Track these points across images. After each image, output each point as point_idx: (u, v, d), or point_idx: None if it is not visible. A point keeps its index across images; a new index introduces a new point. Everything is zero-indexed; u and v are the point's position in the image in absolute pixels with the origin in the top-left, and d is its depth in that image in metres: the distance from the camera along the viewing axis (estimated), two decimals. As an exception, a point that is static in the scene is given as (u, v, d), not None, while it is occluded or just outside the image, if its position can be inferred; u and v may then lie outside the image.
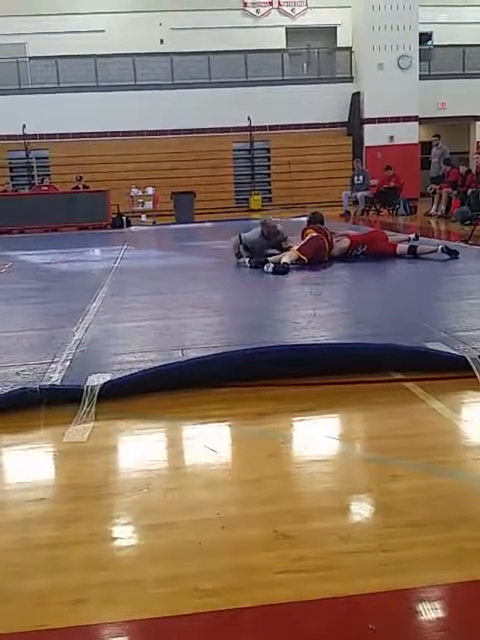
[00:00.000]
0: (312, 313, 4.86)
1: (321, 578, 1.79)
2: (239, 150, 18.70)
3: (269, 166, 19.23)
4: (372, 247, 7.47)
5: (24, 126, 16.65)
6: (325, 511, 2.16)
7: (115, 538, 2.09)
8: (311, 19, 19.69)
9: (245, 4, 19.72)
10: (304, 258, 7.18)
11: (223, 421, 2.98)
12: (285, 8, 19.90)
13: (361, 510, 2.22)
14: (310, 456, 2.60)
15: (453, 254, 7.21)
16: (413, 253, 7.35)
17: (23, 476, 2.54)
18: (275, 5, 19.85)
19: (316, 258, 7.28)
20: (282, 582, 1.78)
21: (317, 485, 2.37)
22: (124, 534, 2.11)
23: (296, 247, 7.37)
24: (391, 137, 18.57)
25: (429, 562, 1.85)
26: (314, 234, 7.46)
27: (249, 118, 17.57)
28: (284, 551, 1.92)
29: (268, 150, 18.99)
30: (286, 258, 7.10)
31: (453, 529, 2.02)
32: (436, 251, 7.31)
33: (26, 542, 2.06)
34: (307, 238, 7.44)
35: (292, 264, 7.06)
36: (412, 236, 8.46)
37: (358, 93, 18.88)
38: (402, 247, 7.49)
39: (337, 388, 3.24)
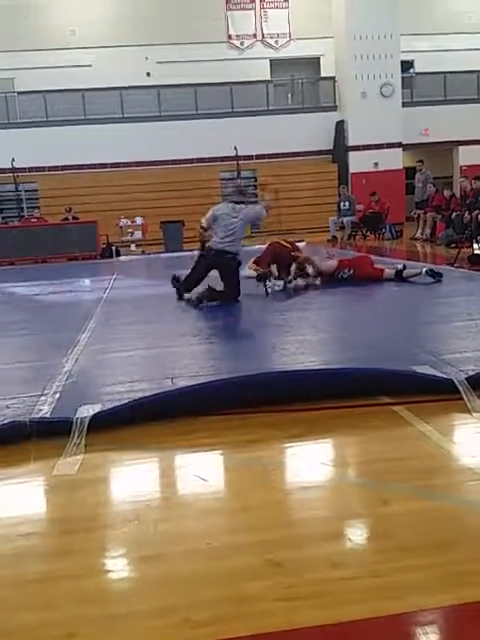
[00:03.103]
0: (301, 339, 4.89)
1: (313, 605, 1.79)
2: (226, 179, 18.90)
3: (256, 194, 19.42)
4: (359, 271, 7.56)
5: (13, 160, 16.79)
6: (316, 537, 2.16)
7: (106, 571, 2.08)
8: (295, 50, 20.12)
9: (230, 37, 20.14)
10: (261, 269, 7.30)
11: (213, 449, 2.98)
12: (269, 40, 20.33)
13: (352, 536, 2.21)
14: (300, 482, 2.60)
15: (437, 277, 7.31)
16: (399, 277, 7.43)
17: (13, 510, 2.52)
18: (259, 37, 20.28)
19: (280, 262, 7.39)
20: (274, 610, 1.77)
21: (308, 511, 2.38)
22: (115, 567, 2.10)
23: (251, 261, 7.46)
24: (376, 163, 18.86)
25: (421, 586, 1.85)
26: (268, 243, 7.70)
27: (236, 148, 17.81)
28: (276, 579, 1.91)
29: (255, 179, 19.21)
30: (247, 271, 7.20)
31: (444, 553, 2.02)
32: (420, 274, 7.40)
33: (16, 577, 2.04)
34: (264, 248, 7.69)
35: (261, 279, 7.07)
36: (400, 266, 8.41)
37: (342, 121, 19.21)
38: (388, 271, 7.58)
39: (326, 413, 3.26)
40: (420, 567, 1.94)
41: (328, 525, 2.24)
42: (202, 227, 6.87)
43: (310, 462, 2.79)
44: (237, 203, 6.93)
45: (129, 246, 15.53)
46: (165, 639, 1.68)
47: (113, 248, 14.43)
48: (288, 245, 7.85)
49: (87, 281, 10.42)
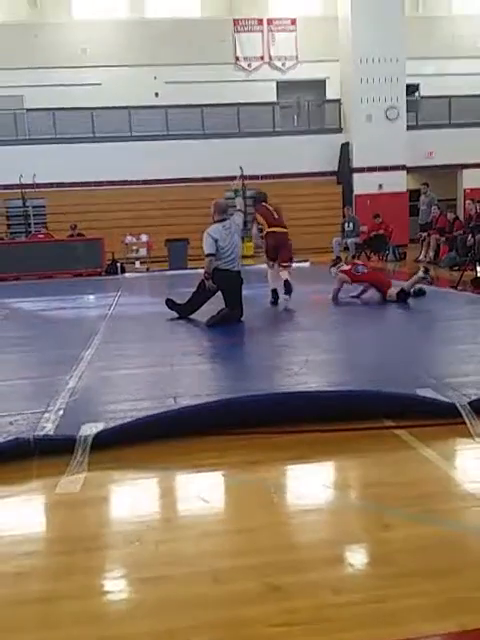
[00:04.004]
0: (304, 359, 4.90)
1: (314, 631, 1.79)
2: (231, 199, 19.03)
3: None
4: (375, 283, 7.78)
5: (21, 176, 16.95)
6: (317, 562, 2.16)
7: (106, 592, 2.08)
8: (301, 73, 20.34)
9: (237, 59, 20.39)
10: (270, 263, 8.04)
11: (216, 470, 2.99)
12: (276, 62, 20.57)
13: (353, 561, 2.21)
14: (302, 505, 2.61)
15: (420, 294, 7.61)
16: (403, 299, 7.45)
17: (15, 528, 2.53)
18: (266, 59, 20.53)
19: (278, 244, 7.97)
20: (274, 636, 1.77)
21: (309, 535, 2.38)
22: (115, 588, 2.10)
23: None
24: (380, 185, 18.97)
25: (421, 612, 1.85)
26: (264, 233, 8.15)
27: (241, 168, 17.95)
28: (276, 604, 1.91)
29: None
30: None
31: (445, 579, 2.02)
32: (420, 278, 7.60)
33: (16, 596, 2.05)
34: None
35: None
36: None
37: (347, 143, 19.37)
38: (391, 291, 7.58)
39: (329, 435, 3.27)
40: (421, 593, 1.94)
41: (329, 549, 2.24)
42: (207, 273, 6.90)
43: (312, 484, 2.79)
44: (223, 221, 7.01)
45: (134, 263, 15.60)
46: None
47: (118, 265, 14.50)
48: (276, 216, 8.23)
49: (92, 297, 10.47)
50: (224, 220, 7.03)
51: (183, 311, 7.16)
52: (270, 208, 8.22)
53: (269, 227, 8.09)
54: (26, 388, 4.53)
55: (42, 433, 3.33)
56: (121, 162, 17.84)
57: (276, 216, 8.14)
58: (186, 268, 13.86)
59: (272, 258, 8.19)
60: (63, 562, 2.24)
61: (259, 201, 8.51)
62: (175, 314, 7.15)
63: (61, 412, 3.74)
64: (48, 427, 3.45)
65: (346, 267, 8.05)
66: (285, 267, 8.10)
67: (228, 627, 1.83)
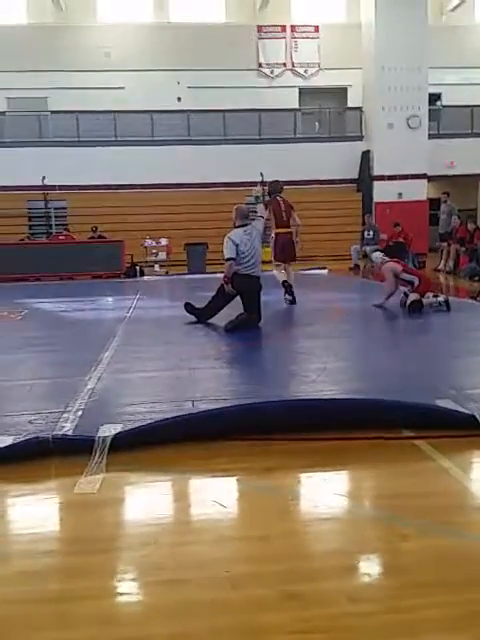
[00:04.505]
0: (322, 366, 4.89)
1: (331, 639, 1.79)
2: (252, 204, 19.07)
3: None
4: (423, 278, 7.57)
5: (44, 177, 17.12)
6: (334, 571, 2.15)
7: (123, 593, 2.10)
8: (323, 80, 20.35)
9: (260, 65, 20.46)
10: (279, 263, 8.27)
11: (232, 475, 3.00)
12: (298, 69, 20.61)
13: (371, 570, 2.21)
14: (319, 514, 2.60)
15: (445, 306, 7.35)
16: (418, 309, 7.28)
17: (33, 527, 2.56)
18: (289, 66, 20.58)
19: (285, 245, 8.26)
20: None
21: (326, 544, 2.38)
22: (132, 590, 2.12)
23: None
24: (400, 194, 18.89)
25: (439, 624, 1.85)
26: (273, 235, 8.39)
27: (262, 174, 17.98)
28: (293, 612, 1.92)
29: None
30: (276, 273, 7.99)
31: (463, 591, 2.01)
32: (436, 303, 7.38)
33: (37, 594, 2.07)
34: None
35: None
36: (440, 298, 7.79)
37: (368, 151, 19.33)
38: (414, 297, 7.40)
39: (346, 443, 3.26)
40: (438, 605, 1.93)
41: (346, 558, 2.24)
42: (227, 277, 6.92)
43: (329, 493, 2.79)
44: (244, 226, 7.06)
45: (153, 266, 15.68)
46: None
47: (137, 268, 14.58)
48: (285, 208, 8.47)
49: (111, 300, 10.54)
50: (245, 225, 7.07)
51: (202, 315, 7.19)
52: (282, 204, 8.40)
53: (277, 227, 8.34)
54: (45, 388, 4.58)
55: (61, 433, 3.36)
56: (142, 166, 17.94)
57: (285, 217, 8.42)
58: (205, 272, 13.90)
59: (281, 260, 8.51)
60: (82, 562, 2.26)
61: (274, 193, 8.64)
62: (194, 318, 7.18)
63: (80, 413, 3.77)
64: (67, 427, 3.48)
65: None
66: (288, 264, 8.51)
67: (245, 633, 1.83)
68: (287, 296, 8.30)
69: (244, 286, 6.87)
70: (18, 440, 3.20)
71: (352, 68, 19.58)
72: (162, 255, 15.93)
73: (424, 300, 7.40)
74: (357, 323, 7.21)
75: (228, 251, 6.84)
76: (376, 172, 19.09)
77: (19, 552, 2.39)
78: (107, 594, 2.07)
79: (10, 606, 2.01)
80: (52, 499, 2.82)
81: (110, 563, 2.26)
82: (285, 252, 8.47)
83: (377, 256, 7.96)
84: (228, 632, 1.84)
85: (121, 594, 2.09)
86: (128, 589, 2.12)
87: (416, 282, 7.46)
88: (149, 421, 3.46)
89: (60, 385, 4.58)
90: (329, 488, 2.85)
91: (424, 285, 7.49)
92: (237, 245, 6.83)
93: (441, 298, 7.53)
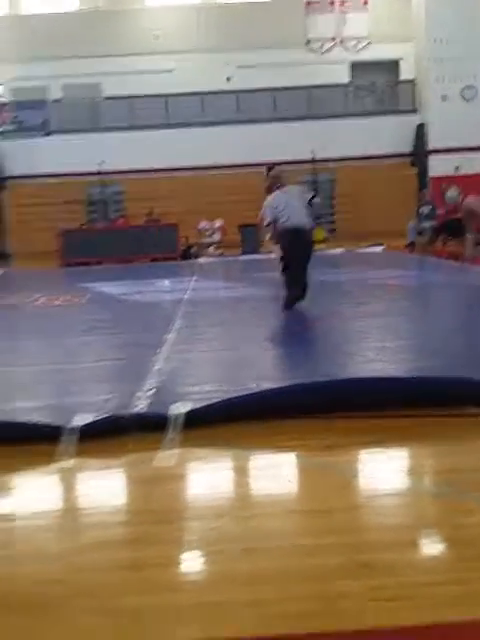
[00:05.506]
0: (380, 345, 4.97)
1: (402, 607, 1.84)
2: (304, 182, 18.98)
3: (333, 197, 19.44)
4: None
5: (101, 162, 17.48)
6: (400, 543, 2.21)
7: (199, 562, 2.22)
8: (374, 53, 19.96)
9: (308, 41, 20.20)
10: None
11: (296, 451, 3.12)
12: (348, 43, 20.25)
13: (435, 543, 2.27)
14: (381, 489, 2.68)
15: None
16: None
17: (113, 499, 2.74)
18: (338, 41, 20.24)
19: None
20: (365, 609, 1.83)
21: (390, 518, 2.44)
22: (206, 559, 2.22)
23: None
24: (457, 167, 18.46)
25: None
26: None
27: (313, 151, 17.88)
28: (365, 580, 1.96)
29: (332, 182, 19.21)
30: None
31: None
32: None
33: (120, 561, 2.18)
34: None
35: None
36: None
37: (422, 125, 18.92)
38: None
39: (408, 421, 3.32)
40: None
41: (410, 532, 2.30)
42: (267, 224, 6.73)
43: (392, 469, 2.87)
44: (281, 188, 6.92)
45: (208, 248, 15.89)
46: (262, 628, 1.78)
47: (192, 250, 14.82)
48: None
49: (168, 282, 10.78)
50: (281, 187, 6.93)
51: (295, 295, 6.64)
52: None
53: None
54: (116, 369, 4.81)
55: (136, 410, 3.56)
56: (194, 147, 18.10)
57: None
58: (258, 253, 14.02)
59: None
60: (157, 532, 2.37)
61: (275, 187, 8.20)
62: (300, 303, 6.72)
63: (151, 392, 3.95)
64: (141, 405, 3.68)
65: None
66: None
67: (321, 599, 1.89)
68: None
69: (291, 248, 6.57)
70: (98, 418, 3.41)
71: (403, 40, 19.12)
72: (216, 236, 16.12)
73: None
74: (414, 300, 7.20)
75: (266, 216, 6.75)
76: (431, 145, 18.69)
77: (110, 523, 2.51)
78: (184, 562, 2.20)
79: (94, 574, 2.12)
80: (131, 473, 3.02)
81: (186, 533, 2.38)
82: None
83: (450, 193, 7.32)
84: (303, 598, 1.90)
85: (197, 562, 2.21)
86: (201, 558, 2.23)
87: None
88: (217, 399, 3.63)
89: (129, 366, 4.80)
90: (391, 464, 2.93)
91: None
92: (276, 207, 6.67)
93: None
